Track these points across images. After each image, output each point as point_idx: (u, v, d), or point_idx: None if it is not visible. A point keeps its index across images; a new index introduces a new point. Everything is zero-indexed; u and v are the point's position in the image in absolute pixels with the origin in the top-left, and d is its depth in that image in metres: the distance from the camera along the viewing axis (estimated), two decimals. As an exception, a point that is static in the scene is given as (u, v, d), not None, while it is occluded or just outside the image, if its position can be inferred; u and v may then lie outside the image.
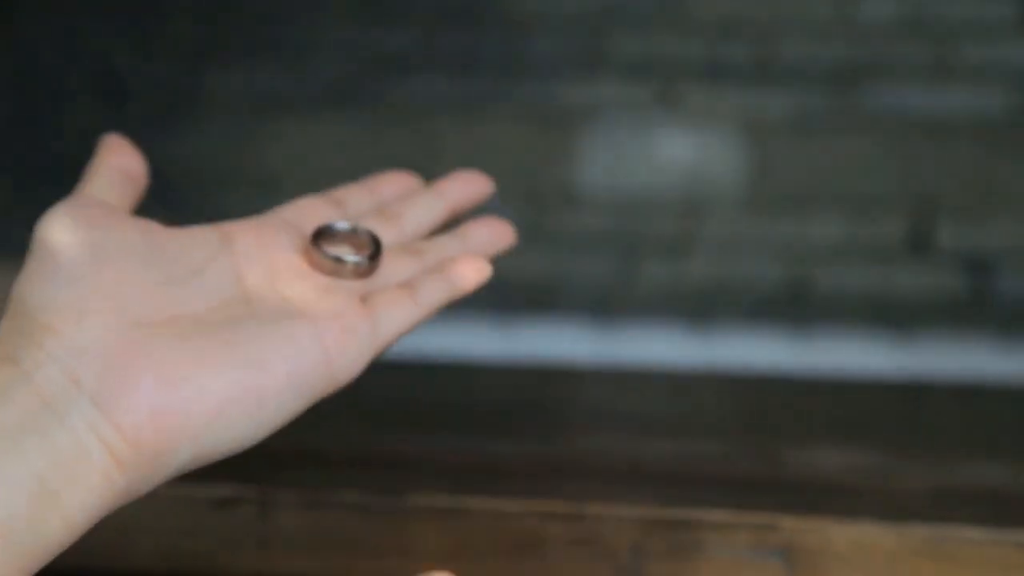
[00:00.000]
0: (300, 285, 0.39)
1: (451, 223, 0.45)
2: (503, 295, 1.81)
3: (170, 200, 1.90)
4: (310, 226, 0.41)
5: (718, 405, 0.82)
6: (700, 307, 1.76)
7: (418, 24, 1.82)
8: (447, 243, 0.43)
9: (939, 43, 1.68)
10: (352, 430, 0.65)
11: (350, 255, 0.40)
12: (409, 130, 1.88)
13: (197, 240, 0.38)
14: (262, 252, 0.39)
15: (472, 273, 0.41)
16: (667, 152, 1.77)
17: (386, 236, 0.43)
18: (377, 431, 0.66)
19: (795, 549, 0.51)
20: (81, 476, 0.33)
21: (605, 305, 1.79)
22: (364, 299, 0.40)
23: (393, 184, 0.45)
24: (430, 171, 1.68)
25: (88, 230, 0.35)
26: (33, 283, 0.35)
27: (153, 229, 0.37)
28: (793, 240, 1.74)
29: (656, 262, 1.78)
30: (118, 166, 0.41)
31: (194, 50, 1.88)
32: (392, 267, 0.42)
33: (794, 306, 1.74)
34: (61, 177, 1.81)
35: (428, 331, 1.74)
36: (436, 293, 0.41)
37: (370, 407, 0.74)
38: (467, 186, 0.45)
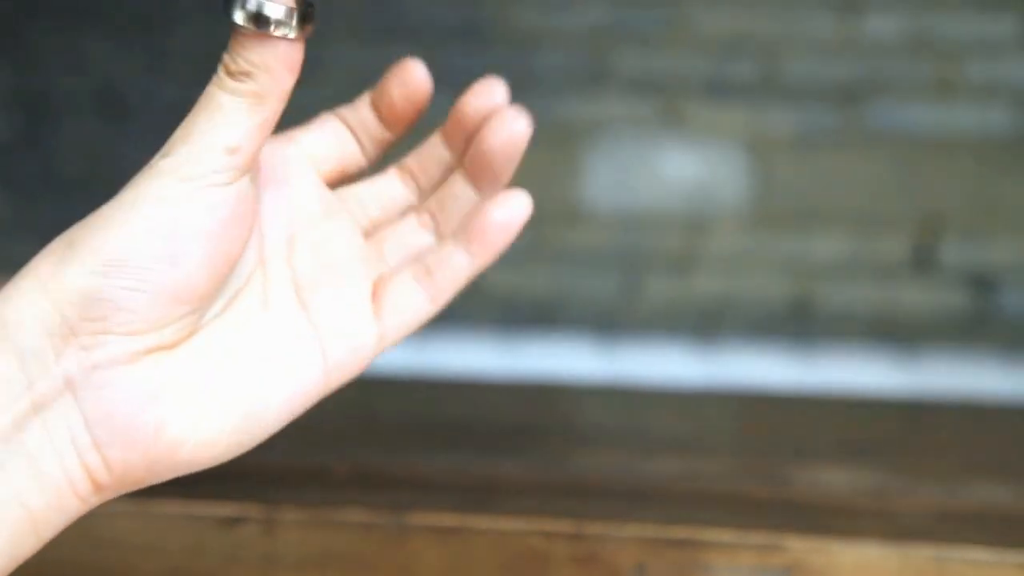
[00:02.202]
0: (315, 263, 0.38)
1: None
2: (506, 312, 1.81)
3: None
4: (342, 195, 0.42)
5: (722, 423, 0.81)
6: (704, 324, 1.76)
7: (421, 41, 1.82)
8: (463, 196, 0.42)
9: (943, 61, 1.68)
10: (355, 448, 0.66)
11: (276, 11, 0.35)
12: (412, 147, 1.88)
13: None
14: (285, 231, 0.39)
15: (509, 221, 0.40)
16: (671, 169, 1.77)
17: (401, 191, 0.42)
18: (380, 449, 0.66)
19: (799, 569, 0.51)
20: (64, 503, 0.33)
21: (609, 322, 1.79)
22: (377, 292, 0.39)
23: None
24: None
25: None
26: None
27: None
28: (797, 257, 1.74)
29: (660, 279, 1.78)
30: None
31: (196, 67, 1.89)
32: (409, 235, 0.41)
33: (798, 323, 1.74)
34: (63, 194, 1.84)
35: (431, 348, 1.75)
36: (456, 277, 0.40)
37: (373, 425, 0.74)
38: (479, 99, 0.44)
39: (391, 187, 0.43)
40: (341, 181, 0.42)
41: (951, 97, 1.69)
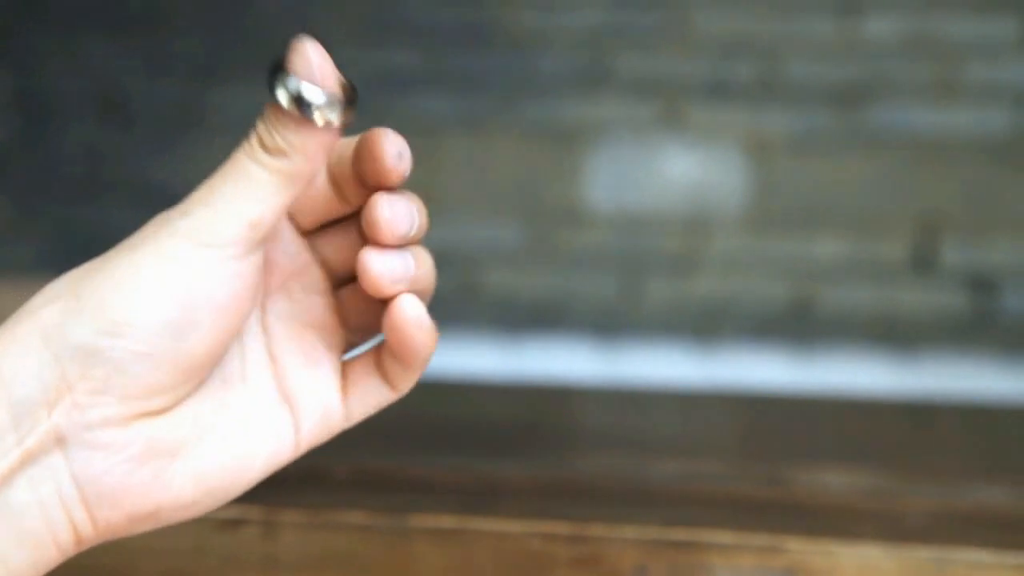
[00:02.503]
0: (293, 356, 0.38)
1: None
2: (507, 313, 1.81)
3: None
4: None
5: (722, 424, 0.81)
6: (704, 325, 1.76)
7: (422, 43, 1.83)
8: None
9: (943, 63, 1.68)
10: (356, 450, 0.65)
11: (319, 97, 0.35)
12: (414, 147, 1.88)
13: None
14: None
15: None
16: (671, 171, 1.77)
17: None
18: (381, 451, 0.66)
19: (799, 570, 0.51)
20: (43, 555, 0.33)
21: (609, 323, 1.79)
22: (345, 375, 0.39)
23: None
24: (435, 188, 1.71)
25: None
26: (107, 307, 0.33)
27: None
28: (797, 259, 1.74)
29: (660, 281, 1.78)
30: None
31: (197, 69, 1.89)
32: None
33: (798, 325, 1.74)
34: (63, 196, 1.84)
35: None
36: (409, 379, 0.40)
37: (373, 427, 0.74)
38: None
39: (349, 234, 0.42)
40: (320, 225, 0.41)
41: (951, 99, 1.69)
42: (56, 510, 0.33)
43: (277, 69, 0.35)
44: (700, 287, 1.79)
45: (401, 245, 0.37)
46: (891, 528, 0.54)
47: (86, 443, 0.33)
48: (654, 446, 0.71)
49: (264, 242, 0.35)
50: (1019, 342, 1.69)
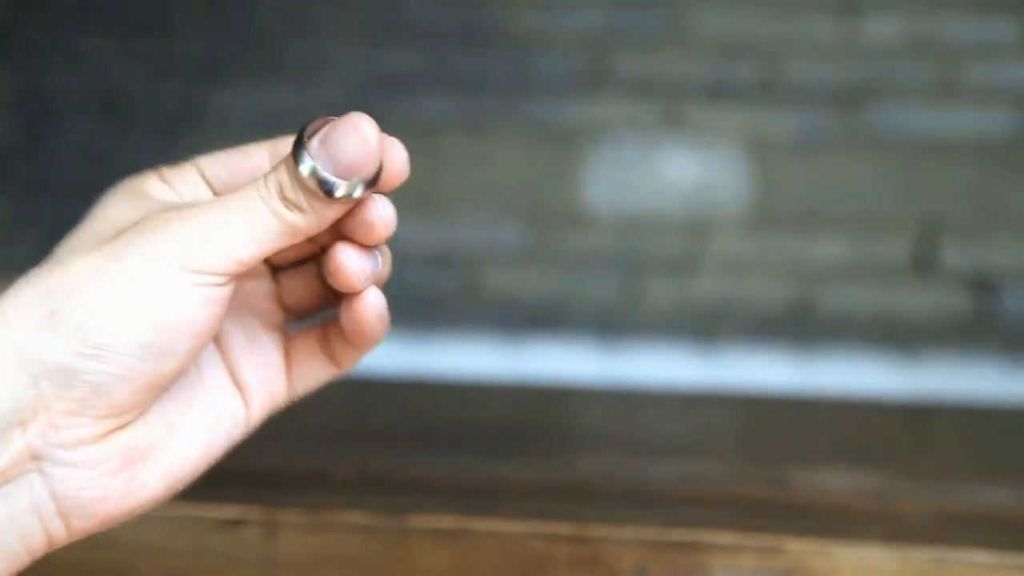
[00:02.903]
0: (239, 343, 0.39)
1: None
2: (507, 314, 1.81)
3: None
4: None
5: (723, 425, 0.81)
6: (705, 327, 1.76)
7: (423, 44, 1.83)
8: None
9: (944, 64, 1.68)
10: (356, 451, 0.66)
11: (339, 185, 0.35)
12: (414, 148, 1.88)
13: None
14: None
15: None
16: (672, 172, 1.77)
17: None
18: (381, 452, 0.66)
19: (799, 571, 0.51)
20: (14, 562, 0.33)
21: (610, 324, 1.79)
22: (288, 353, 0.40)
23: None
24: (435, 189, 1.70)
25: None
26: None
27: None
28: (798, 260, 1.74)
29: (661, 282, 1.78)
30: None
31: (199, 69, 1.89)
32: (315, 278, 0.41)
33: (799, 326, 1.74)
34: (64, 196, 1.84)
35: (432, 351, 1.75)
36: (354, 357, 0.40)
37: (374, 428, 0.74)
38: None
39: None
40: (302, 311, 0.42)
41: (952, 100, 1.69)
42: (31, 522, 0.33)
43: (300, 145, 0.35)
44: (701, 288, 1.79)
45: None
46: (891, 529, 0.54)
47: (62, 461, 0.33)
48: (654, 447, 0.71)
49: (244, 273, 0.36)
50: (1020, 343, 1.69)
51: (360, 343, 0.38)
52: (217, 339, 0.38)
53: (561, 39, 1.79)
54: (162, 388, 0.35)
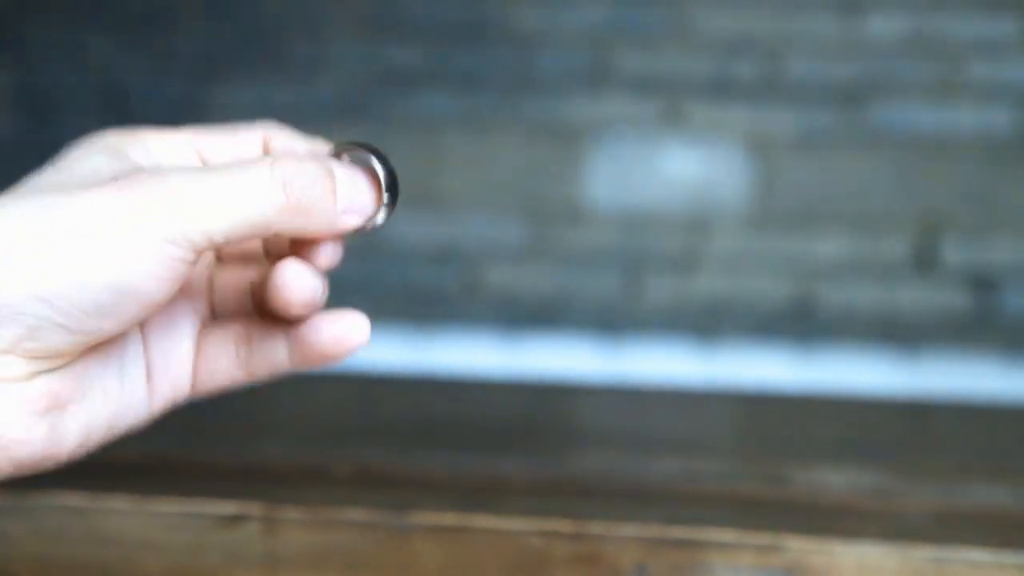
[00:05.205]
0: (163, 318, 0.39)
1: None
2: (507, 311, 1.81)
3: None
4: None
5: (723, 423, 0.81)
6: (705, 324, 1.76)
7: (424, 40, 1.82)
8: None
9: (945, 62, 1.68)
10: (356, 447, 0.66)
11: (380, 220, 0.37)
12: (415, 145, 1.88)
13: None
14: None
15: (332, 342, 0.38)
16: (673, 169, 1.77)
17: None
18: (381, 448, 0.66)
19: (799, 569, 0.51)
20: None
21: (610, 321, 1.79)
22: (199, 344, 0.39)
23: None
24: (436, 186, 1.71)
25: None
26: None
27: None
28: (798, 257, 1.74)
29: (661, 278, 1.78)
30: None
31: (200, 64, 1.89)
32: (245, 279, 0.41)
33: (799, 323, 1.74)
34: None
35: (432, 346, 1.75)
36: (272, 368, 0.39)
37: (374, 424, 0.74)
38: None
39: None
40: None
41: (953, 98, 1.69)
42: None
43: (395, 185, 0.37)
44: (701, 285, 1.79)
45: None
46: (891, 527, 0.54)
47: None
48: (654, 444, 0.71)
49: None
50: (1020, 341, 1.69)
51: (318, 362, 0.38)
52: None
53: (562, 36, 1.79)
54: (95, 344, 0.35)
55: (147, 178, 0.33)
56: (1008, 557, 0.50)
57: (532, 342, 1.83)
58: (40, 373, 0.34)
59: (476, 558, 0.52)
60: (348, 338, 0.38)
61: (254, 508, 0.53)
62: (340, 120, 1.93)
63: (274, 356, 0.39)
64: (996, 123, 1.66)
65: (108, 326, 0.33)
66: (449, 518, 0.53)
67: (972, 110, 1.67)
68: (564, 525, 0.52)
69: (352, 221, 0.35)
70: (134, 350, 0.37)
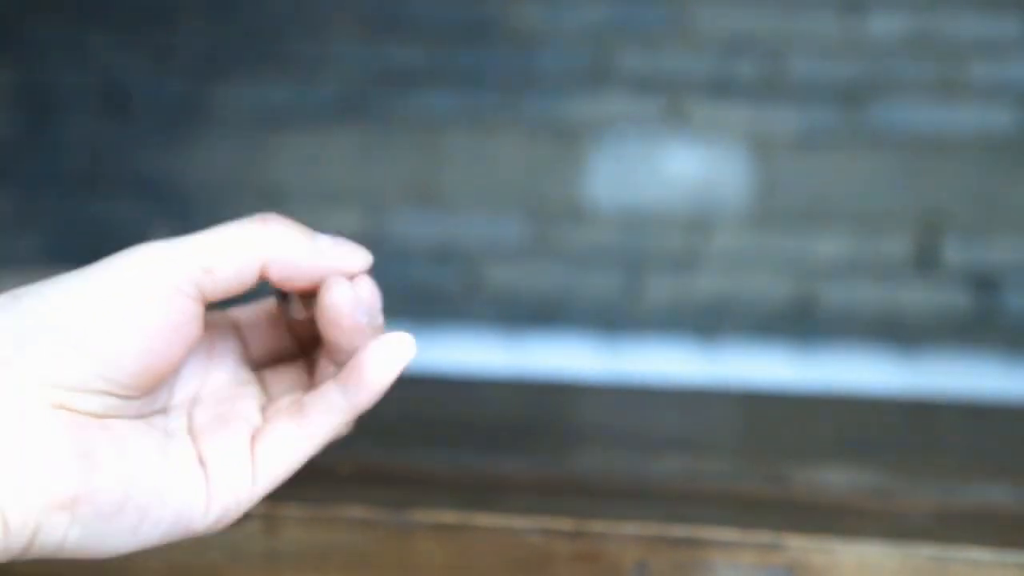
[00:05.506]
0: (209, 414, 0.39)
1: None
2: (509, 309, 1.81)
3: (178, 212, 1.93)
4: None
5: (724, 421, 0.81)
6: (706, 322, 1.76)
7: (425, 39, 1.82)
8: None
9: (946, 61, 1.68)
10: (357, 445, 0.66)
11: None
12: (416, 144, 1.88)
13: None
14: (198, 375, 0.40)
15: (388, 361, 0.39)
16: (673, 168, 1.77)
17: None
18: (382, 447, 0.66)
19: (800, 568, 0.51)
20: None
21: (611, 320, 1.79)
22: (255, 435, 0.39)
23: None
24: (437, 184, 1.71)
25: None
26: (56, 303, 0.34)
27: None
28: (799, 256, 1.74)
29: (662, 277, 1.78)
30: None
31: (202, 64, 1.89)
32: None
33: (800, 322, 1.74)
34: (67, 189, 1.84)
35: (434, 345, 1.76)
36: (330, 414, 0.40)
37: (375, 422, 0.74)
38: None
39: (299, 374, 0.43)
40: (269, 360, 0.43)
41: (954, 97, 1.69)
42: None
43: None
44: (702, 284, 1.79)
45: None
46: (892, 526, 0.54)
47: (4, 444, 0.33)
48: (655, 443, 0.71)
49: (207, 300, 0.37)
50: (1021, 340, 1.69)
51: (371, 389, 0.39)
52: (191, 415, 0.40)
53: (563, 35, 1.79)
54: (115, 381, 0.35)
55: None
56: (1009, 556, 0.50)
57: (533, 340, 1.83)
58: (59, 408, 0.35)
59: (477, 556, 0.52)
60: (397, 357, 0.39)
61: (255, 506, 0.53)
62: (341, 120, 1.93)
63: (329, 400, 0.39)
64: (997, 122, 1.66)
65: (110, 352, 0.35)
66: (450, 516, 0.53)
67: (973, 109, 1.67)
68: (565, 523, 0.52)
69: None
70: (181, 458, 0.37)
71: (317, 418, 0.39)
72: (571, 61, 1.78)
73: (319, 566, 0.53)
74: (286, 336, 0.43)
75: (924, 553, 0.50)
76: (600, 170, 1.79)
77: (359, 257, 0.39)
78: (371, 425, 0.71)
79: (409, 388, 0.87)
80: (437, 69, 1.83)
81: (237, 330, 0.42)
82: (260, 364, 0.43)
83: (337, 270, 0.38)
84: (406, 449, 0.66)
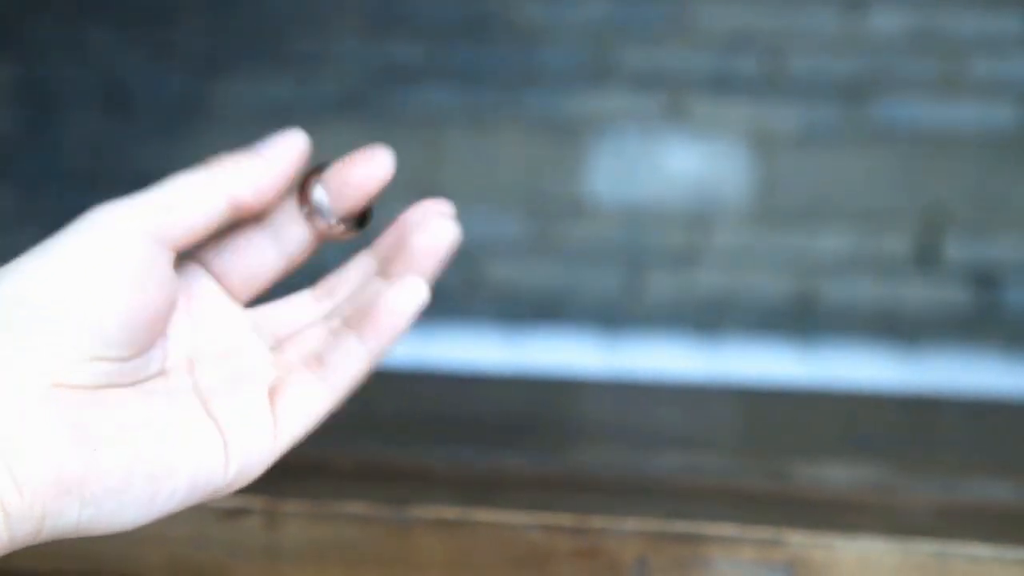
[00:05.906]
0: (217, 373, 0.39)
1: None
2: (510, 306, 1.81)
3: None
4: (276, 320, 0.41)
5: (724, 418, 0.81)
6: (707, 319, 1.76)
7: (426, 36, 1.82)
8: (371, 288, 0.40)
9: (948, 58, 1.68)
10: (358, 441, 0.66)
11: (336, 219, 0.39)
12: (417, 140, 1.88)
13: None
14: (195, 321, 0.39)
15: (402, 306, 0.38)
16: (675, 164, 1.77)
17: (312, 310, 0.42)
18: (383, 442, 0.66)
19: (801, 564, 0.51)
20: None
21: (612, 316, 1.79)
22: (273, 392, 0.39)
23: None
24: (437, 181, 1.71)
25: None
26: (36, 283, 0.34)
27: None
28: (801, 253, 1.74)
29: (663, 274, 1.78)
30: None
31: (202, 60, 1.88)
32: (312, 338, 0.41)
33: (801, 318, 1.74)
34: (67, 186, 1.84)
35: (434, 342, 1.76)
36: (349, 362, 0.39)
37: (376, 418, 0.74)
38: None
39: (303, 307, 0.42)
40: (253, 290, 0.42)
41: (956, 94, 1.69)
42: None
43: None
44: (703, 280, 1.78)
45: None
46: (892, 522, 0.54)
47: (4, 415, 0.33)
48: (656, 439, 0.71)
49: (176, 246, 0.36)
50: (1021, 338, 1.69)
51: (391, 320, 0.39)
52: (193, 375, 0.39)
53: (564, 31, 1.79)
54: (104, 342, 0.35)
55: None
56: (1009, 552, 0.50)
57: (533, 337, 1.83)
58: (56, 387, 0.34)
59: (477, 552, 0.52)
60: (411, 301, 0.39)
61: (255, 501, 0.53)
62: (341, 116, 1.93)
63: (347, 348, 0.38)
64: (998, 119, 1.66)
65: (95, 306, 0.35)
66: (450, 512, 0.53)
67: (974, 106, 1.67)
68: (565, 519, 0.52)
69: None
70: (191, 416, 0.37)
71: (337, 368, 0.39)
72: (572, 58, 1.78)
73: (319, 561, 0.53)
74: (260, 251, 0.41)
75: (924, 549, 0.50)
76: (601, 167, 1.79)
77: (297, 141, 0.38)
78: (372, 421, 0.71)
79: (409, 384, 0.87)
80: (437, 66, 1.83)
81: (209, 270, 0.41)
82: (246, 293, 0.41)
83: (293, 163, 0.38)
84: (407, 445, 0.66)
